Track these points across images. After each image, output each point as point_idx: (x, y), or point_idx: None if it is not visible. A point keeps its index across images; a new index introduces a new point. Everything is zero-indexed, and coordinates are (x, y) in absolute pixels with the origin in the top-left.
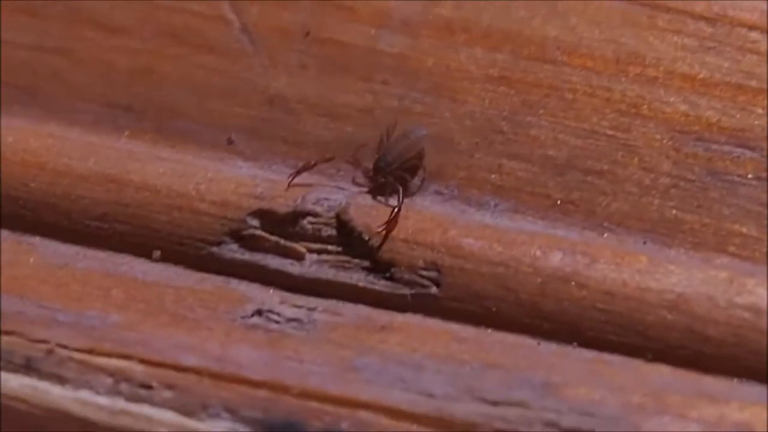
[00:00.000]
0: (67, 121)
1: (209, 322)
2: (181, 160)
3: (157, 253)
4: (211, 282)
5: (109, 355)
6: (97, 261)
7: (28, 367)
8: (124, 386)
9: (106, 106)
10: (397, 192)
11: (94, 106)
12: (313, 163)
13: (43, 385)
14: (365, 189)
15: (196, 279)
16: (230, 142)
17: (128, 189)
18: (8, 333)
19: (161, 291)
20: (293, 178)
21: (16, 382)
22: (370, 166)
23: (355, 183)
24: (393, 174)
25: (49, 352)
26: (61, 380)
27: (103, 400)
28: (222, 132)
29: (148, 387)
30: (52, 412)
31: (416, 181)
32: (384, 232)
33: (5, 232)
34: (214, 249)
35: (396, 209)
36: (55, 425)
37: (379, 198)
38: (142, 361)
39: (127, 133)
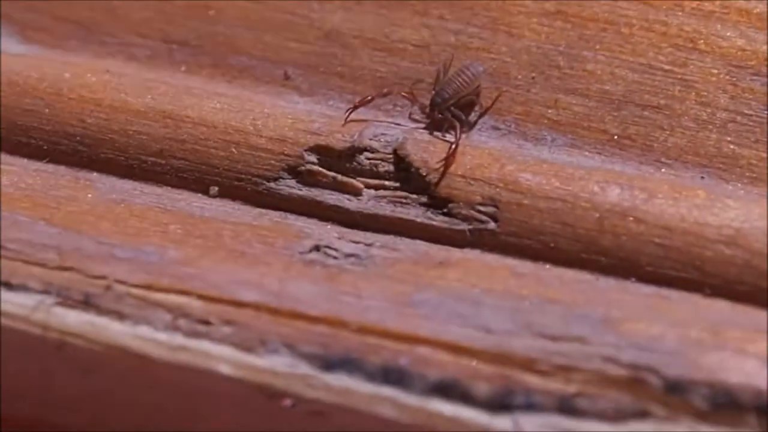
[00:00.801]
0: (124, 57)
1: (267, 257)
2: (238, 96)
3: (214, 189)
4: (268, 218)
5: (167, 290)
6: (154, 197)
7: (86, 303)
8: (182, 322)
9: (162, 42)
10: (454, 128)
11: (150, 42)
12: (369, 98)
13: (102, 321)
14: (422, 125)
15: (254, 215)
16: (287, 77)
17: (185, 125)
18: (66, 269)
19: (219, 227)
20: (350, 113)
21: (75, 318)
22: (427, 101)
23: (411, 119)
24: (449, 110)
25: (108, 287)
26: (119, 316)
27: (161, 336)
28: (278, 67)
29: (207, 323)
30: (110, 348)
31: (473, 117)
32: (442, 168)
33: (63, 168)
34: (272, 185)
35: (454, 145)
36: (114, 361)
37: (435, 134)
38: (201, 297)
39: (183, 68)
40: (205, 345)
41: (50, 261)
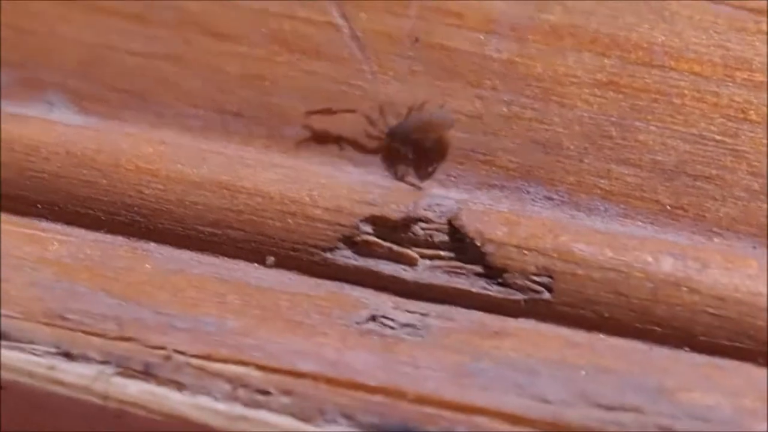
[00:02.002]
0: (179, 127)
1: (324, 327)
2: (293, 166)
3: (270, 259)
4: (325, 288)
5: (226, 360)
6: (211, 267)
7: (146, 373)
8: (241, 392)
9: (216, 112)
10: (404, 161)
11: (204, 112)
12: (331, 109)
13: (162, 391)
14: (374, 146)
15: (310, 285)
16: (342, 148)
17: (241, 195)
18: (126, 339)
19: (276, 297)
20: (311, 114)
21: (135, 388)
22: (387, 127)
23: (367, 135)
24: (406, 144)
25: (167, 357)
26: (179, 386)
27: (221, 406)
28: (334, 138)
29: (266, 393)
30: (170, 417)
31: (429, 166)
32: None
33: (121, 239)
34: (328, 255)
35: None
36: (174, 430)
37: (387, 162)
38: (259, 367)
39: (238, 139)
40: (264, 415)
41: (110, 331)
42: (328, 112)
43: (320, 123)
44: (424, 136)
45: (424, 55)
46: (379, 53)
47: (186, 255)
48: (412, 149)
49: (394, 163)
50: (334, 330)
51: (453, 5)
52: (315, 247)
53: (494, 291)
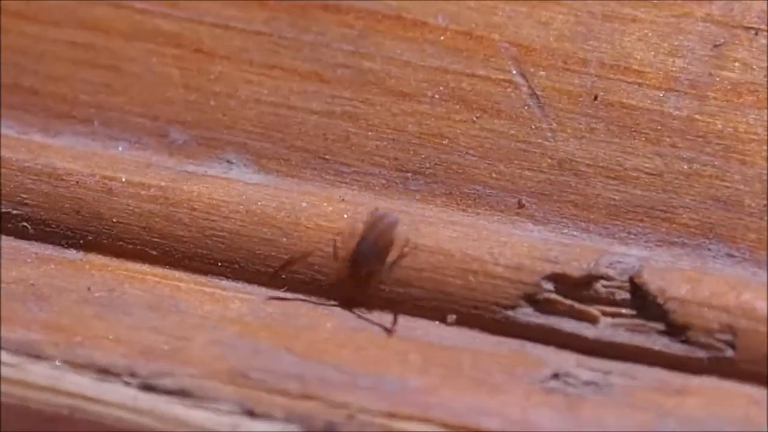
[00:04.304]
0: (359, 186)
1: (507, 385)
2: (473, 224)
3: (452, 317)
4: (507, 346)
5: (410, 418)
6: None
7: None
8: None
9: (396, 170)
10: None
11: (384, 171)
12: (295, 258)
13: None
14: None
15: (492, 343)
16: (521, 205)
17: (422, 253)
18: (309, 398)
19: (458, 355)
20: (277, 274)
21: None
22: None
23: (335, 275)
24: (371, 263)
25: (351, 416)
26: None
27: None
28: (512, 195)
29: None
30: None
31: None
32: None
33: (302, 297)
34: (509, 313)
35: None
36: None
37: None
38: (443, 425)
39: (418, 197)
40: None
41: (293, 390)
42: (292, 262)
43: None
44: (382, 247)
45: (603, 112)
46: (558, 111)
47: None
48: (376, 261)
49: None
50: (518, 388)
51: (633, 62)
52: (497, 304)
53: (676, 349)
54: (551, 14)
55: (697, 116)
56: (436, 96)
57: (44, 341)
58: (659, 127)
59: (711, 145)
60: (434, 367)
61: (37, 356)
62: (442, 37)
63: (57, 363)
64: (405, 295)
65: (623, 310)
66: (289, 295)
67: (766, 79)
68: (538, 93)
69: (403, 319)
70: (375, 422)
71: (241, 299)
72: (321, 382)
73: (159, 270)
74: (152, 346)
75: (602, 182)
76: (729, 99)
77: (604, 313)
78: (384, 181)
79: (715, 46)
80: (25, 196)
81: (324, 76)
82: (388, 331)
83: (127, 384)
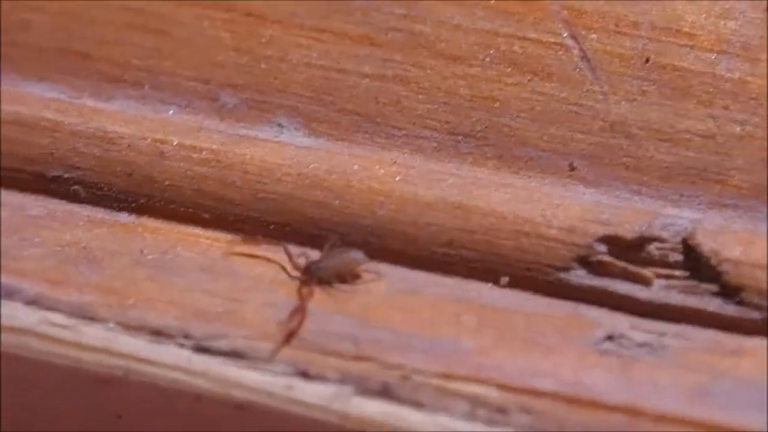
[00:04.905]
0: (410, 149)
1: (561, 347)
2: (525, 187)
3: (505, 279)
4: (560, 307)
5: (464, 380)
6: (445, 287)
7: (384, 393)
8: (480, 411)
9: (447, 133)
10: (306, 295)
11: (435, 134)
12: (259, 240)
13: (401, 410)
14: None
15: (545, 305)
16: (572, 168)
17: (474, 216)
18: (364, 359)
19: (511, 316)
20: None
21: (374, 408)
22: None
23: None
24: (319, 277)
25: (405, 377)
26: (418, 405)
27: (460, 425)
28: (564, 158)
29: (505, 411)
30: None
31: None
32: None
33: (357, 253)
34: (562, 275)
35: (301, 312)
36: None
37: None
38: (498, 386)
39: (469, 159)
40: None
41: (347, 351)
42: (255, 242)
43: None
44: (338, 271)
45: (654, 75)
46: (610, 74)
47: (420, 275)
48: (326, 280)
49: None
50: (571, 349)
51: (684, 25)
52: (549, 266)
53: (730, 310)
54: None
55: (749, 78)
56: (487, 59)
57: (98, 303)
58: (711, 90)
59: (763, 107)
60: (488, 328)
61: (91, 318)
62: (492, 0)
63: (111, 325)
64: (457, 257)
65: (676, 272)
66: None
67: None
68: (590, 56)
69: (456, 281)
70: (429, 383)
71: (294, 262)
72: (375, 343)
73: (211, 233)
74: (205, 308)
75: (654, 145)
76: None
77: (658, 275)
78: (435, 144)
79: None
80: (77, 159)
81: (375, 39)
82: None
83: (181, 346)
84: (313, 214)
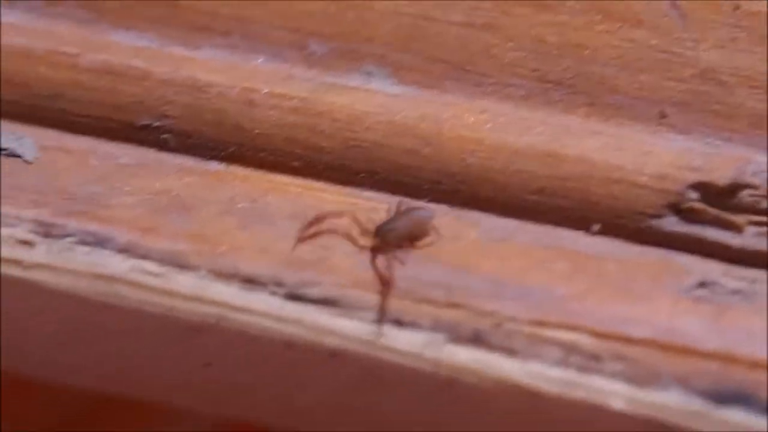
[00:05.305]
0: (499, 97)
1: (654, 294)
2: (616, 134)
3: (596, 227)
4: (652, 255)
5: (557, 327)
6: (536, 234)
7: (477, 340)
8: (573, 358)
9: (537, 81)
10: (390, 261)
11: (525, 81)
12: (323, 215)
13: (493, 358)
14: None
15: (637, 252)
16: (663, 115)
17: (565, 163)
18: (456, 306)
19: (604, 263)
20: (304, 236)
21: (466, 355)
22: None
23: (352, 240)
24: (392, 240)
25: (497, 324)
26: (510, 352)
27: (553, 372)
28: (654, 106)
29: (598, 358)
30: (502, 384)
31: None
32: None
33: (445, 207)
34: (654, 222)
35: (390, 283)
36: (505, 397)
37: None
38: (591, 333)
39: (559, 107)
40: (597, 381)
41: (439, 298)
42: (320, 219)
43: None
44: (410, 231)
45: (745, 21)
46: (700, 21)
47: (511, 223)
48: (398, 243)
49: (378, 256)
50: (665, 296)
51: None
52: (641, 214)
53: None
54: None
55: None
56: (576, 6)
57: (189, 251)
58: None
59: None
60: (580, 275)
61: (183, 266)
62: None
63: (202, 273)
64: (548, 204)
65: None
66: (431, 205)
67: None
68: (679, 2)
69: (547, 229)
70: (522, 330)
71: (385, 210)
72: (467, 290)
73: (301, 181)
74: (297, 256)
75: (745, 92)
76: None
77: (749, 222)
78: (524, 92)
79: None
80: (166, 108)
81: None
82: None
83: (273, 293)
84: (403, 162)
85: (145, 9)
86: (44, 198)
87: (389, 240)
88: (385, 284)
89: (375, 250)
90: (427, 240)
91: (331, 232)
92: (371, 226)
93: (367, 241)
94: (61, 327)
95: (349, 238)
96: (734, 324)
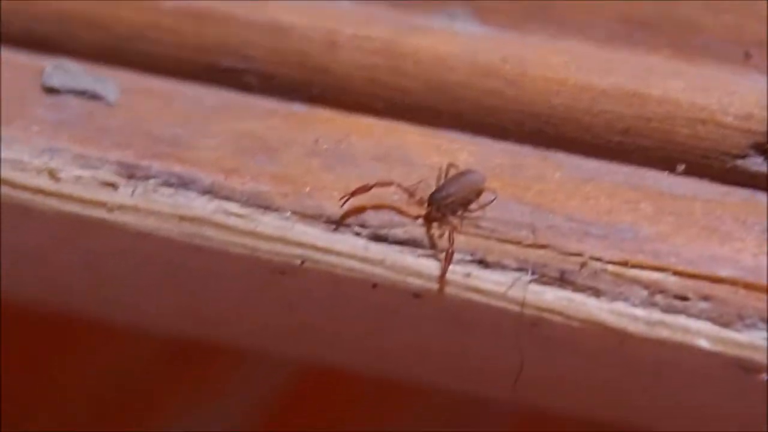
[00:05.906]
0: (582, 38)
1: (740, 233)
2: (700, 75)
3: (681, 167)
4: (737, 194)
5: (642, 266)
6: (621, 175)
7: (562, 280)
8: (659, 298)
9: (620, 22)
10: (450, 229)
11: (608, 22)
12: (370, 186)
13: (579, 297)
14: (419, 218)
15: (722, 192)
16: (748, 56)
17: (650, 103)
18: (541, 246)
19: (689, 203)
20: (346, 200)
21: (552, 295)
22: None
23: (402, 212)
24: (447, 208)
25: (583, 264)
26: (596, 292)
27: (639, 312)
28: (739, 46)
29: (684, 298)
30: (587, 323)
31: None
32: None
33: (528, 148)
34: (739, 162)
35: (449, 250)
36: (591, 336)
37: (431, 233)
38: (677, 273)
39: (643, 48)
40: (683, 320)
41: (524, 239)
42: (365, 189)
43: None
44: (464, 196)
45: None
46: None
47: (595, 164)
48: (453, 209)
49: (434, 225)
50: (751, 236)
51: None
52: (726, 154)
53: None
54: None
55: None
56: None
57: (274, 192)
58: None
59: None
60: (665, 215)
61: (267, 207)
62: None
63: (287, 214)
64: (632, 145)
65: None
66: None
67: None
68: None
69: (632, 169)
70: (608, 270)
71: (469, 151)
72: (552, 230)
73: (385, 122)
74: (381, 197)
75: None
76: None
77: None
78: (607, 33)
79: None
80: (249, 50)
81: None
82: None
83: (358, 234)
84: (486, 103)
85: None
86: (127, 140)
87: (444, 207)
88: (446, 254)
89: (429, 219)
90: (481, 202)
91: (378, 205)
92: (419, 195)
93: (418, 210)
94: (144, 269)
95: (398, 208)
96: None
